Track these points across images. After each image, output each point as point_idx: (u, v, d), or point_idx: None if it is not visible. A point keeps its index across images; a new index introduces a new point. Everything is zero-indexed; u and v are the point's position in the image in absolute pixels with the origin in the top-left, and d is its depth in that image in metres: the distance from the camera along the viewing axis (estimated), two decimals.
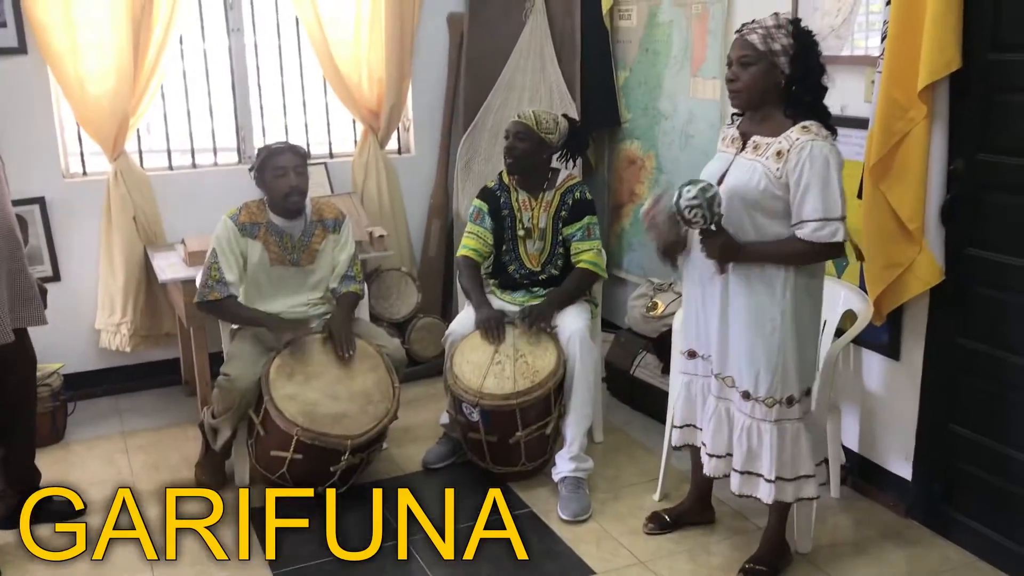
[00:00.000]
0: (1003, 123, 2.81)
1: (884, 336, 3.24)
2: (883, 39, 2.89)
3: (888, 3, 2.86)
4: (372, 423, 3.29)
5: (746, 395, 2.72)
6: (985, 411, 2.98)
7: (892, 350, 3.24)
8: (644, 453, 3.75)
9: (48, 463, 3.64)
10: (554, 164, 3.70)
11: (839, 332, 3.18)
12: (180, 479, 3.60)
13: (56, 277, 4.22)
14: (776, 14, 2.66)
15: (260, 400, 3.29)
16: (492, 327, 3.46)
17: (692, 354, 2.91)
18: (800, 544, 3.04)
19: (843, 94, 3.26)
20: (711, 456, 2.84)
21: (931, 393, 3.13)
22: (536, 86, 4.58)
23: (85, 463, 3.78)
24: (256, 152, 3.53)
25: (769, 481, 2.73)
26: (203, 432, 3.51)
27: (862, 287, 3.19)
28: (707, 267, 2.75)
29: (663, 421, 3.41)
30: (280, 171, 3.40)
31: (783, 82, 2.62)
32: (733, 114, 2.85)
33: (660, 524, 3.19)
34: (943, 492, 3.13)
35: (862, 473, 3.43)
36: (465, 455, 3.63)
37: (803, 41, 2.60)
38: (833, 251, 2.64)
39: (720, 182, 2.69)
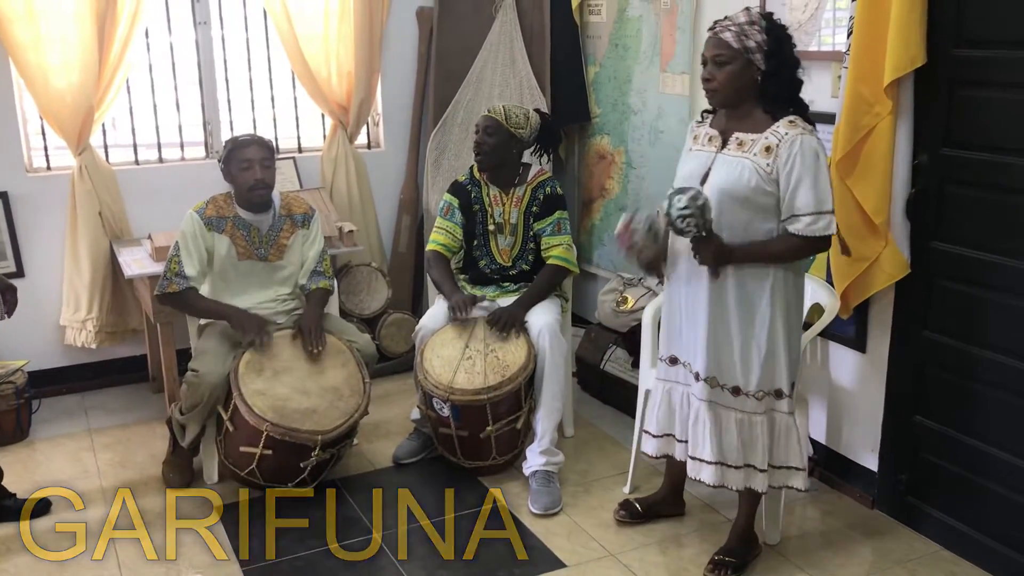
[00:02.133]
0: (966, 118, 2.85)
1: (851, 329, 3.27)
2: (849, 35, 2.92)
3: (854, 0, 2.89)
4: (342, 418, 3.28)
5: (736, 391, 2.72)
6: (950, 403, 3.02)
7: (859, 343, 3.27)
8: (614, 447, 3.76)
9: (12, 461, 3.60)
10: (527, 159, 3.70)
11: (806, 325, 3.21)
12: (147, 477, 3.57)
13: (20, 273, 4.16)
14: (748, 9, 2.63)
15: (229, 396, 3.27)
16: (462, 305, 3.45)
17: (674, 360, 2.86)
18: (769, 535, 3.07)
19: (810, 89, 3.27)
20: (694, 459, 2.80)
21: (897, 385, 3.17)
22: (506, 81, 4.58)
23: (51, 461, 3.73)
24: (223, 145, 3.50)
25: (762, 471, 2.75)
26: (171, 429, 3.48)
27: (829, 281, 3.22)
28: (693, 272, 2.72)
29: (633, 415, 3.42)
30: (246, 164, 3.37)
31: (759, 78, 2.60)
32: (704, 111, 2.84)
33: (631, 512, 3.20)
34: (909, 483, 3.18)
35: (829, 465, 3.46)
36: (436, 450, 3.63)
37: (776, 35, 2.58)
38: (824, 244, 2.64)
39: (703, 181, 2.67)
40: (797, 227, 2.59)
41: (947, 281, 2.97)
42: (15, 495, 3.30)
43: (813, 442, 3.46)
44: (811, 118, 2.66)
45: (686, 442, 2.85)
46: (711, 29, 2.65)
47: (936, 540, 3.08)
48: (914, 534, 3.14)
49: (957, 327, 2.95)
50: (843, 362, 3.36)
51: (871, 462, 3.30)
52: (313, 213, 3.61)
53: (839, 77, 3.04)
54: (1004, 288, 2.79)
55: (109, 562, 3.02)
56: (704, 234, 2.56)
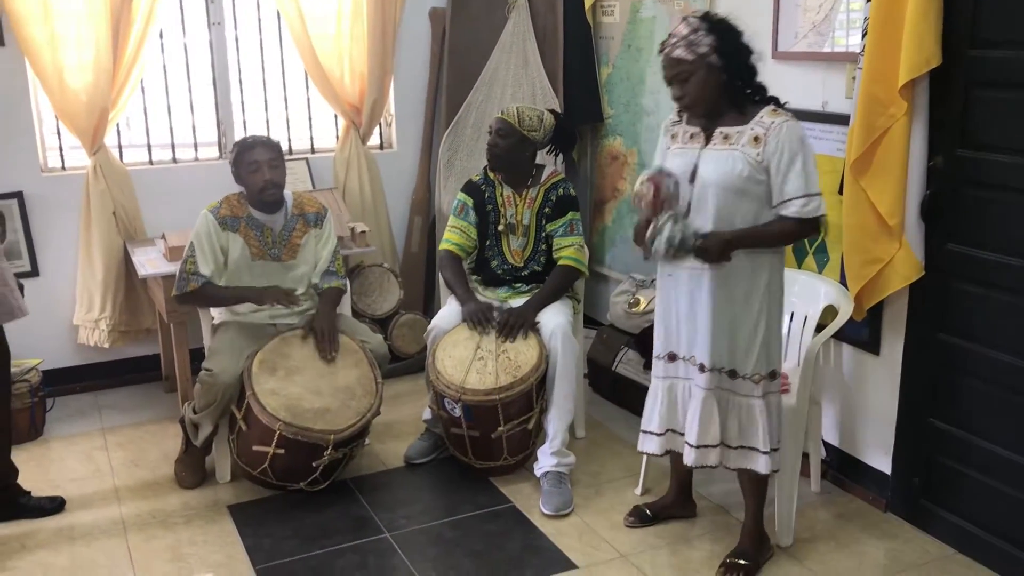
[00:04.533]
0: (982, 120, 2.83)
1: (864, 331, 3.26)
2: (864, 36, 2.91)
3: (868, 0, 2.88)
4: (355, 418, 3.28)
5: (732, 373, 2.79)
6: (963, 406, 3.00)
7: (872, 345, 3.26)
8: (626, 448, 3.75)
9: (26, 460, 3.61)
10: (540, 160, 3.70)
11: (820, 327, 3.21)
12: (160, 476, 3.58)
13: (35, 272, 4.19)
14: (686, 19, 2.68)
15: (242, 395, 3.28)
16: (480, 319, 3.46)
17: (672, 357, 2.92)
18: (781, 538, 3.06)
19: (825, 90, 3.28)
20: (695, 447, 2.85)
21: (910, 388, 3.16)
22: (519, 81, 4.58)
23: (64, 460, 3.75)
24: (232, 147, 3.51)
25: (764, 453, 2.80)
26: (184, 428, 3.49)
27: (843, 282, 3.21)
28: (691, 268, 2.75)
29: None
30: (254, 166, 3.39)
31: (725, 76, 2.65)
32: (679, 110, 2.84)
33: (641, 517, 3.20)
34: (922, 486, 3.16)
35: (842, 467, 3.45)
36: (447, 450, 3.63)
37: (721, 31, 2.63)
38: (814, 226, 2.71)
39: (692, 178, 2.71)
40: (790, 211, 2.65)
41: (962, 283, 2.95)
42: (30, 492, 3.32)
43: (826, 444, 3.45)
44: (778, 100, 2.73)
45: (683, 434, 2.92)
46: (661, 51, 2.70)
47: (950, 543, 3.07)
48: (927, 537, 3.12)
49: (972, 329, 2.94)
50: (857, 364, 3.35)
51: (884, 464, 3.28)
52: (325, 212, 3.62)
53: (853, 78, 3.03)
54: (1019, 290, 2.77)
55: (122, 561, 3.04)
56: (698, 245, 2.62)
